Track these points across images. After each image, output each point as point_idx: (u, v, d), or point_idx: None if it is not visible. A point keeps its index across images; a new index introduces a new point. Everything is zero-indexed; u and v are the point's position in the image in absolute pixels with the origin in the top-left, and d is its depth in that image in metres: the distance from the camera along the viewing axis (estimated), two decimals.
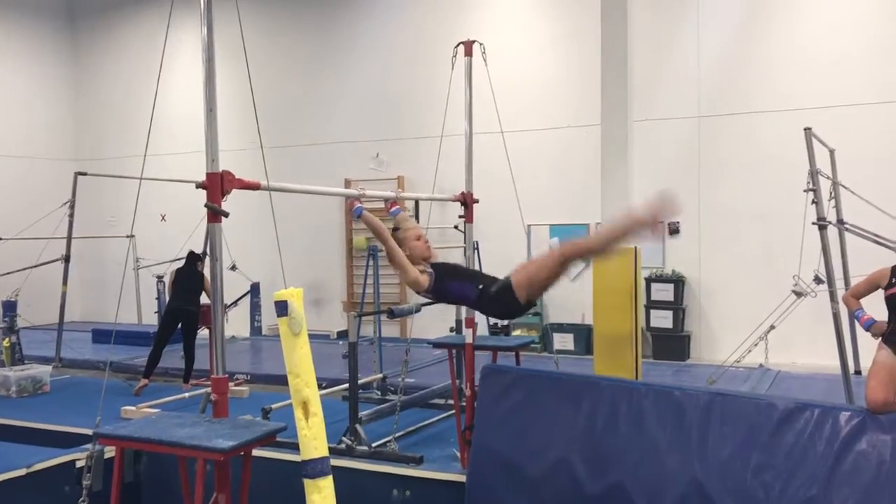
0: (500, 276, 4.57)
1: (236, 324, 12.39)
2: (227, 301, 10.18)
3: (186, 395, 8.11)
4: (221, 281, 3.78)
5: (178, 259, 10.14)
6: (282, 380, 8.54)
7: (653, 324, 10.63)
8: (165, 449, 3.41)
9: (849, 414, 4.54)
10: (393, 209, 5.11)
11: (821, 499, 4.33)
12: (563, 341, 11.04)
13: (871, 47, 9.86)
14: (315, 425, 3.11)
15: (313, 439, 3.10)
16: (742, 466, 4.57)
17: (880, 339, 4.90)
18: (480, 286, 4.57)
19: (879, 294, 4.95)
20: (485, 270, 10.80)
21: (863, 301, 5.14)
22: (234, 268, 11.11)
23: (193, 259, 9.08)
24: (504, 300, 4.44)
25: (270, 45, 13.29)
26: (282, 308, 3.17)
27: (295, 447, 3.34)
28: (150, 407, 7.45)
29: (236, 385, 8.52)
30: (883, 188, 8.62)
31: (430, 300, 5.11)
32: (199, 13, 3.64)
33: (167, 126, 12.93)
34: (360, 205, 4.96)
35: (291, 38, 13.63)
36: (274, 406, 6.72)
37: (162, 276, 12.44)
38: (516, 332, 11.41)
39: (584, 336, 10.78)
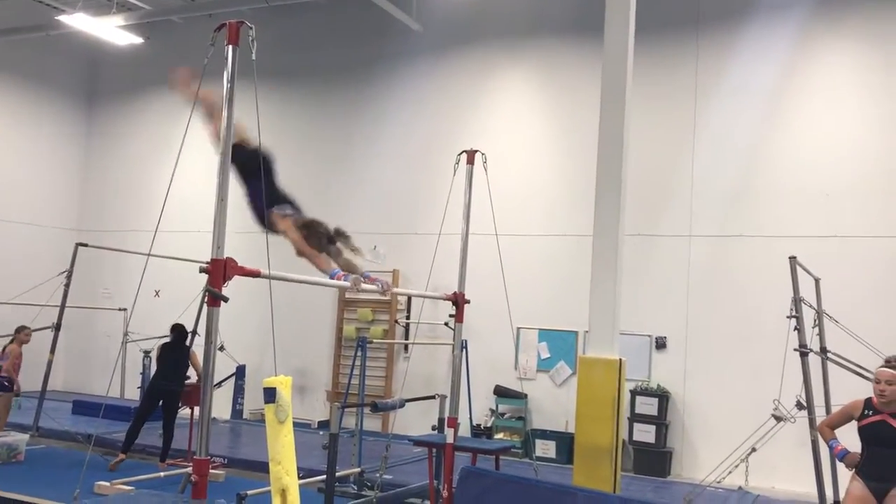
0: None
1: (218, 405, 12.29)
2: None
3: (162, 473, 8.02)
4: (214, 362, 3.87)
5: (168, 336, 10.18)
6: (258, 466, 8.49)
7: (635, 437, 10.58)
8: None
9: None
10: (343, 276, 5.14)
11: None
12: (545, 448, 10.97)
13: (859, 182, 10.21)
14: None
15: None
16: None
17: (854, 470, 4.97)
18: None
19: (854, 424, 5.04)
20: (472, 370, 10.87)
21: (841, 431, 5.22)
22: (221, 348, 11.15)
23: (180, 334, 9.14)
24: None
25: (279, 132, 13.63)
26: (270, 395, 3.26)
27: None
28: (125, 484, 7.37)
29: (213, 468, 8.43)
30: (866, 319, 8.77)
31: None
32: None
33: (171, 204, 13.15)
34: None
35: (300, 129, 14.02)
36: (250, 492, 6.66)
37: (149, 352, 12.45)
38: (499, 436, 11.36)
39: (566, 444, 10.72)
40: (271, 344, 4.56)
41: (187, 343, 9.00)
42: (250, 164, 4.97)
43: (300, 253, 5.04)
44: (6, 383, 9.26)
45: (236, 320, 11.13)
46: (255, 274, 4.02)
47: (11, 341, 9.56)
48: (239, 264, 3.90)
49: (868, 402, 5.00)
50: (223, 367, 11.75)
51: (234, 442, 11.23)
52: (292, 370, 11.70)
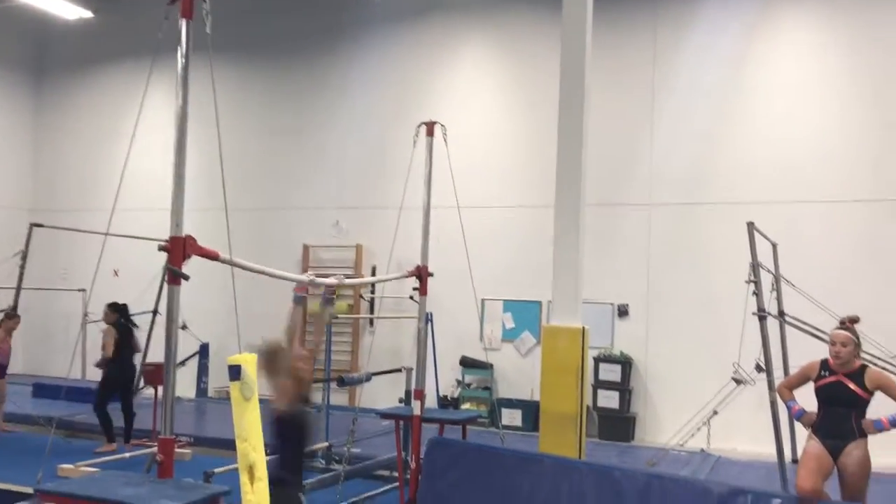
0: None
1: (183, 384, 12.18)
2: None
3: (127, 454, 7.96)
4: (176, 341, 3.83)
5: (131, 315, 10.05)
6: (225, 444, 8.46)
7: (600, 403, 10.76)
8: None
9: (780, 501, 4.71)
10: (298, 293, 5.03)
11: None
12: (511, 417, 11.10)
13: (815, 150, 10.40)
14: (260, 490, 3.16)
15: (257, 503, 3.14)
16: None
17: (811, 429, 5.11)
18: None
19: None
20: (437, 341, 10.91)
21: (798, 392, 5.35)
22: (184, 327, 11.03)
23: (125, 313, 9.02)
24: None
25: (241, 106, 13.48)
26: (235, 373, 3.24)
27: None
28: (89, 466, 7.30)
29: (179, 447, 8.38)
30: (823, 283, 8.97)
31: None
32: (171, 78, 3.78)
33: (127, 182, 12.92)
34: (301, 294, 5.02)
35: (260, 103, 13.84)
36: (217, 470, 6.63)
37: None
38: (465, 406, 11.46)
39: (532, 412, 10.85)
40: (235, 322, 4.51)
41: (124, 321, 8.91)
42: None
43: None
44: None
45: (199, 298, 11.02)
46: (213, 256, 3.97)
47: None
48: (199, 243, 3.85)
49: (824, 363, 5.13)
50: (186, 345, 11.65)
51: (199, 420, 11.17)
52: (256, 347, 11.66)
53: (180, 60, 3.79)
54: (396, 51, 13.04)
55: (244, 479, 3.19)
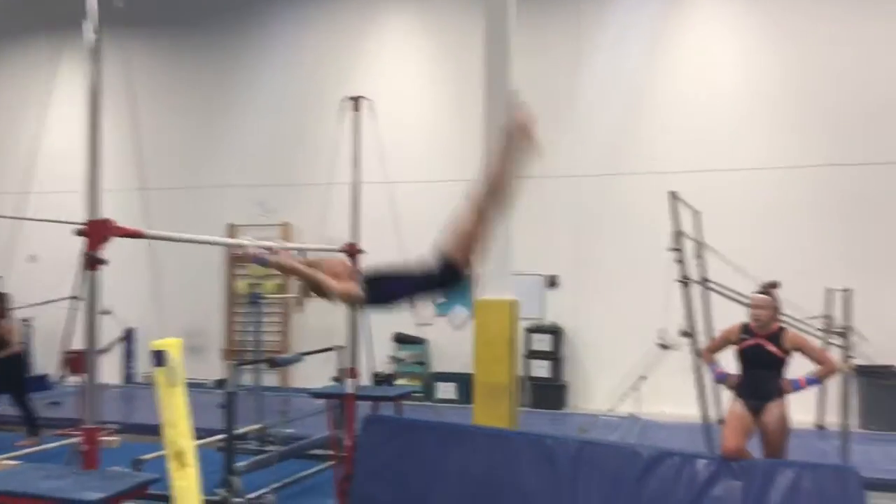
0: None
1: (108, 370, 11.88)
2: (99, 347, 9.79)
3: (52, 445, 7.71)
4: (98, 328, 3.71)
5: (50, 302, 9.71)
6: (155, 430, 8.25)
7: (532, 373, 10.92)
8: (30, 503, 3.28)
9: (706, 461, 4.86)
10: (259, 255, 4.88)
11: None
12: (446, 390, 11.17)
13: (737, 118, 10.68)
14: (189, 476, 3.10)
15: (187, 490, 3.08)
16: None
17: (733, 390, 5.29)
18: (422, 275, 4.36)
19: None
20: (371, 320, 10.90)
21: (721, 355, 5.52)
22: (107, 312, 10.71)
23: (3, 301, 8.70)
24: (448, 274, 4.29)
25: (156, 84, 13.07)
26: (159, 358, 3.16)
27: (168, 500, 3.29)
28: (9, 459, 7.05)
29: (107, 435, 8.16)
30: (745, 249, 9.23)
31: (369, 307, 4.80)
32: (83, 54, 3.62)
33: (40, 162, 12.42)
34: (260, 251, 4.84)
35: (177, 79, 13.45)
36: (146, 457, 6.50)
37: (28, 321, 11.88)
38: (400, 382, 11.48)
39: (466, 385, 10.89)
40: (159, 305, 4.41)
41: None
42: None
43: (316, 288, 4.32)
44: None
45: (124, 282, 10.70)
46: (135, 234, 3.85)
47: None
48: (119, 224, 3.72)
49: (745, 326, 5.30)
50: (111, 331, 11.33)
51: (127, 407, 10.90)
52: (184, 330, 11.38)
53: (90, 35, 3.63)
54: (321, 23, 12.82)
55: (173, 465, 3.12)
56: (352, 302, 4.42)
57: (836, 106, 10.31)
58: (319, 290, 4.28)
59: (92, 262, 3.58)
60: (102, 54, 3.69)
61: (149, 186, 13.58)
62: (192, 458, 3.13)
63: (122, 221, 3.81)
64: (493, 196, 4.21)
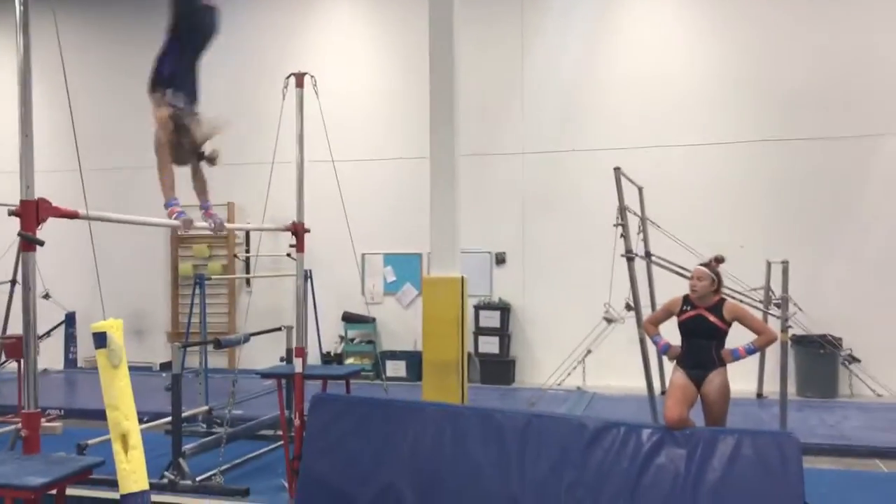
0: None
1: (49, 356, 11.62)
2: (39, 332, 9.56)
3: None
4: (35, 311, 3.61)
5: None
6: (99, 415, 8.11)
7: (480, 349, 11.02)
8: None
9: (650, 431, 4.96)
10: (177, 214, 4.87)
11: None
12: (395, 368, 11.20)
13: (678, 95, 10.84)
14: (135, 458, 3.06)
15: (132, 472, 3.03)
16: (556, 484, 4.88)
17: (675, 361, 5.40)
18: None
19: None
20: (318, 298, 10.84)
21: (664, 327, 5.63)
22: (47, 296, 10.46)
23: None
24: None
25: (93, 59, 12.72)
26: (100, 340, 3.10)
27: (114, 483, 3.24)
28: None
29: (49, 421, 8.01)
30: (687, 223, 9.43)
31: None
32: (12, 25, 3.50)
33: None
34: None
35: (117, 54, 13.08)
36: (90, 441, 6.39)
37: None
38: (349, 361, 11.47)
39: (416, 363, 10.98)
40: (98, 287, 4.31)
41: None
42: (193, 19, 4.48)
43: (157, 151, 4.59)
44: None
45: (63, 266, 10.47)
46: (72, 215, 3.75)
47: None
48: (54, 205, 3.61)
49: (686, 298, 5.41)
50: (50, 315, 11.07)
51: (69, 392, 10.71)
52: (128, 313, 11.20)
53: (18, 7, 3.50)
54: (262, 0, 12.58)
55: (117, 447, 3.07)
56: (167, 123, 4.72)
57: (774, 83, 10.55)
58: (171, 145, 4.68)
59: (27, 243, 3.47)
60: (31, 28, 3.57)
61: (88, 167, 13.27)
62: (137, 440, 3.08)
63: (62, 204, 3.71)
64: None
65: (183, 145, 4.73)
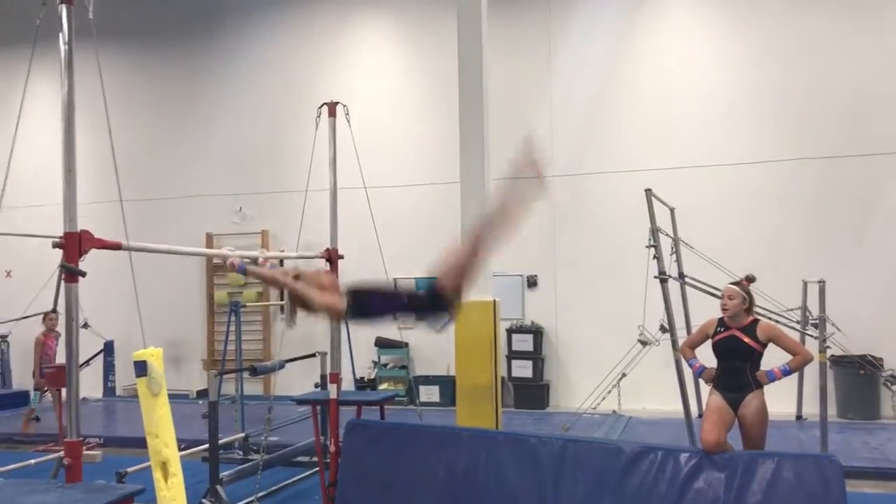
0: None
1: (88, 384, 11.78)
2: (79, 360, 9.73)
3: (33, 461, 7.64)
4: (77, 342, 3.70)
5: (26, 317, 9.63)
6: (138, 443, 8.22)
7: (514, 374, 10.97)
8: None
9: (687, 455, 4.91)
10: (239, 264, 4.84)
11: None
12: (429, 393, 11.19)
13: (705, 114, 10.80)
14: (175, 486, 3.10)
15: (173, 500, 3.08)
16: None
17: (711, 384, 5.35)
18: (408, 295, 4.39)
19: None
20: (351, 325, 10.89)
21: (700, 350, 5.58)
22: (86, 325, 10.63)
23: None
24: (436, 300, 4.30)
25: (130, 93, 13.00)
26: (141, 368, 3.16)
27: None
28: None
29: (88, 449, 8.11)
30: (720, 244, 9.34)
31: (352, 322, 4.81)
32: (52, 67, 3.63)
33: (13, 176, 12.31)
34: (240, 261, 4.83)
35: (152, 89, 13.39)
36: (130, 469, 6.45)
37: (6, 336, 11.78)
38: (383, 387, 11.49)
39: (449, 388, 10.97)
40: (138, 316, 4.39)
41: None
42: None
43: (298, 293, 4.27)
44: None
45: (101, 295, 10.64)
46: (115, 246, 3.85)
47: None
48: (96, 236, 3.71)
49: (721, 320, 5.36)
50: (89, 344, 11.23)
51: (109, 420, 10.84)
52: (164, 341, 11.35)
53: (62, 47, 3.63)
54: (294, 28, 12.83)
55: (157, 475, 3.12)
56: (334, 315, 4.37)
57: (807, 101, 10.46)
58: (303, 302, 4.24)
59: (70, 274, 3.56)
60: (75, 66, 3.69)
61: (126, 198, 13.53)
62: (177, 467, 3.13)
63: (100, 234, 3.81)
64: (493, 230, 4.27)
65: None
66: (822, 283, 7.64)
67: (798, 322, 8.44)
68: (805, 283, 8.94)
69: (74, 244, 3.55)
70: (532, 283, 11.44)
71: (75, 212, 3.61)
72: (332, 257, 6.42)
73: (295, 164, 10.96)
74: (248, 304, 11.34)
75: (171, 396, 3.42)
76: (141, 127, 13.10)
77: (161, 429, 3.16)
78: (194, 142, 13.18)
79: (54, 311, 9.38)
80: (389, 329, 11.55)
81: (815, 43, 10.49)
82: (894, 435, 8.67)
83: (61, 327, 4.80)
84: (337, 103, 6.50)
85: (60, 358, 9.03)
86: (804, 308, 8.91)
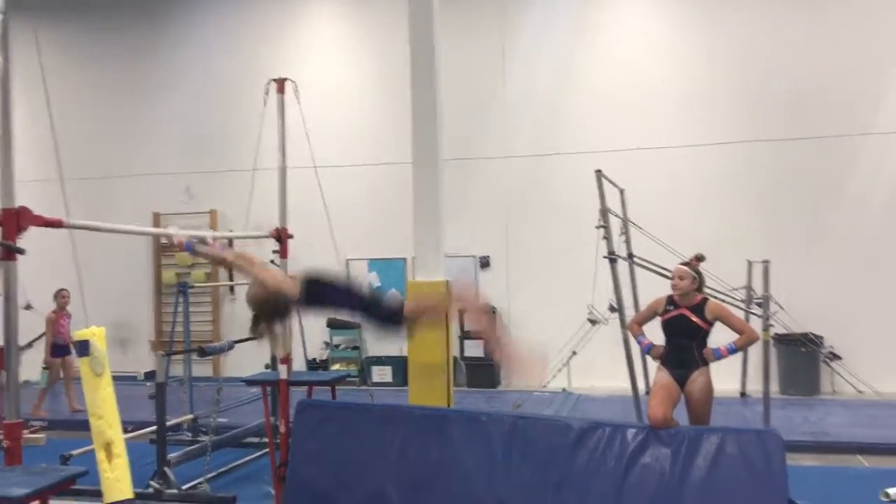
0: None
1: (31, 367, 11.49)
2: (21, 342, 9.49)
3: None
4: (16, 322, 3.60)
5: None
6: (82, 425, 8.08)
7: (467, 353, 11.02)
8: None
9: (635, 431, 4.99)
10: (186, 243, 4.72)
11: None
12: (381, 374, 11.19)
13: (656, 98, 10.93)
14: (119, 467, 3.04)
15: (117, 481, 3.02)
16: (543, 485, 4.89)
17: (659, 361, 5.44)
18: (369, 300, 4.49)
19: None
20: None
21: (648, 328, 5.67)
22: (28, 307, 10.32)
23: None
24: (393, 318, 4.37)
25: (77, 71, 12.66)
26: (83, 348, 3.09)
27: (98, 494, 3.23)
28: None
29: (32, 432, 7.94)
30: (668, 224, 9.47)
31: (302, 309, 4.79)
32: None
33: None
34: (187, 240, 4.71)
35: (98, 65, 13.03)
36: (75, 452, 6.33)
37: None
38: (335, 367, 11.44)
39: (401, 368, 10.98)
40: (81, 297, 4.28)
41: None
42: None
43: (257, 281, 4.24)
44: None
45: (46, 276, 10.35)
46: (56, 223, 3.74)
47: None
48: (35, 213, 3.60)
49: (670, 298, 5.45)
50: (33, 326, 10.95)
51: (53, 403, 10.58)
52: (111, 323, 11.04)
53: None
54: (244, 4, 12.59)
55: (101, 456, 3.06)
56: (281, 299, 4.25)
57: (752, 85, 10.65)
58: (254, 277, 4.24)
59: (8, 251, 3.46)
60: (11, 39, 3.56)
61: (71, 177, 13.17)
62: (121, 449, 3.07)
63: (43, 213, 3.70)
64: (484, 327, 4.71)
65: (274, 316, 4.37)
66: (766, 263, 7.81)
67: (743, 301, 8.63)
68: (750, 263, 9.13)
69: (12, 221, 3.44)
70: (485, 263, 11.49)
71: (12, 187, 3.50)
72: (281, 236, 6.34)
73: (244, 142, 10.74)
74: (196, 284, 11.18)
75: (118, 378, 3.35)
76: (87, 105, 12.76)
77: (104, 409, 3.10)
78: (142, 120, 12.88)
79: (65, 288, 9.60)
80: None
81: (760, 25, 10.67)
82: (833, 410, 8.95)
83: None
84: (286, 79, 6.39)
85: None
86: (749, 287, 9.11)
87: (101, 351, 3.09)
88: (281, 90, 6.35)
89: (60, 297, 9.66)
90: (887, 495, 5.43)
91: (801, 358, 9.85)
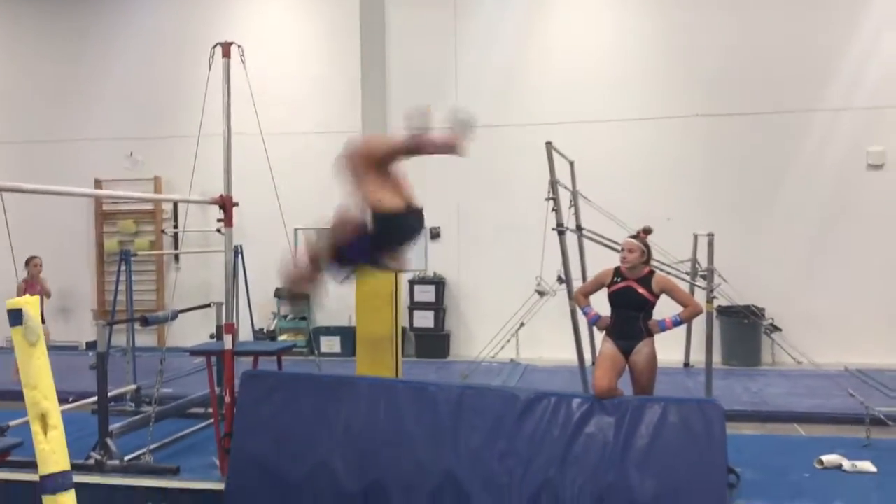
0: None
1: None
2: None
3: None
4: None
5: None
6: (18, 395, 7.87)
7: (416, 324, 11.03)
8: None
9: (580, 400, 5.06)
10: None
11: (557, 480, 4.79)
12: (330, 344, 11.14)
13: (605, 73, 10.97)
14: (54, 439, 2.96)
15: (52, 453, 2.94)
16: (489, 454, 4.94)
17: (605, 332, 5.50)
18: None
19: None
20: (250, 275, 10.68)
21: (595, 299, 5.72)
22: None
23: None
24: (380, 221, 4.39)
25: (13, 31, 12.20)
26: (16, 317, 2.98)
27: (33, 465, 3.14)
28: None
29: None
30: (617, 197, 9.54)
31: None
32: None
33: None
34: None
35: (38, 26, 12.56)
36: (12, 423, 6.17)
37: None
38: (283, 338, 11.35)
39: (350, 338, 10.90)
40: (13, 264, 4.14)
41: None
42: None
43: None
44: None
45: None
46: None
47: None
48: None
49: (617, 270, 5.50)
50: None
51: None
52: (52, 292, 10.82)
53: None
54: None
55: (36, 428, 2.97)
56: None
57: (702, 60, 10.76)
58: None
59: None
60: None
61: (6, 140, 12.79)
62: (57, 420, 2.98)
63: None
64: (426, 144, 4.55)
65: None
66: (710, 236, 7.92)
67: (688, 273, 8.76)
68: (696, 237, 9.27)
69: None
70: (435, 234, 11.46)
71: None
72: (225, 204, 6.21)
73: (190, 108, 10.46)
74: (139, 252, 10.96)
75: (59, 348, 3.26)
76: (26, 67, 12.33)
77: (39, 380, 3.00)
78: (84, 83, 12.47)
79: (36, 256, 9.33)
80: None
81: (711, 5, 10.74)
82: (773, 381, 9.19)
83: None
84: (231, 43, 6.22)
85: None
86: (694, 260, 9.26)
87: (34, 320, 2.98)
88: (227, 55, 6.19)
89: (32, 265, 9.36)
90: (821, 462, 5.62)
91: (744, 330, 10.08)
